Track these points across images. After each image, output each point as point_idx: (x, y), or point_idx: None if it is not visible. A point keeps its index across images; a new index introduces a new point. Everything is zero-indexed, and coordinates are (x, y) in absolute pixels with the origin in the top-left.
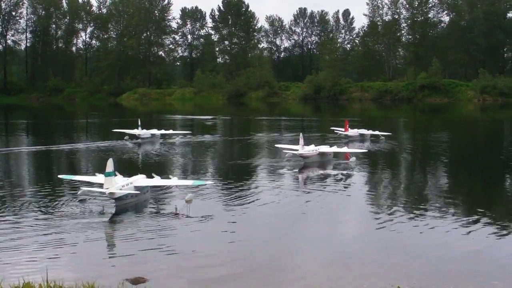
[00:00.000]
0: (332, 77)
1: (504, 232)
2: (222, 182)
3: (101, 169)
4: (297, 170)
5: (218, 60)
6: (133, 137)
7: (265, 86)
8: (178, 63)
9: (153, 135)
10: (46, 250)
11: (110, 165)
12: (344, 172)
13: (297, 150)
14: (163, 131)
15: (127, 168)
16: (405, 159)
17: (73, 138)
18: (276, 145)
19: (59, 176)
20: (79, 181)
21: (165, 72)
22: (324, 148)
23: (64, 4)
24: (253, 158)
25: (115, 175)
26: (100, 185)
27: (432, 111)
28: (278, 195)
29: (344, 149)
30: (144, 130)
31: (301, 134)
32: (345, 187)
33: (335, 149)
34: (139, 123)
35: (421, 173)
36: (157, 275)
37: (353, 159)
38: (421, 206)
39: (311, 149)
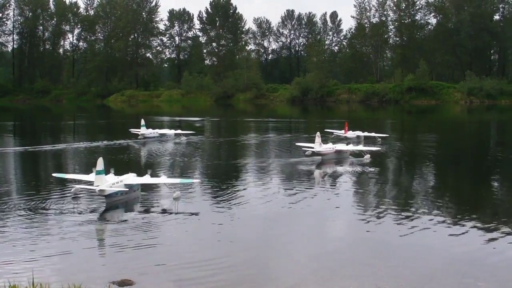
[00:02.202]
0: (320, 79)
1: (491, 233)
2: (213, 181)
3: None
4: (287, 170)
5: (205, 61)
6: (137, 136)
7: (252, 88)
8: (166, 65)
9: (162, 134)
10: (32, 252)
11: (100, 164)
12: (336, 172)
13: (313, 148)
14: (173, 131)
15: (120, 166)
16: (394, 160)
17: (65, 138)
18: (297, 144)
19: (53, 174)
20: (72, 179)
21: (152, 74)
22: (341, 146)
23: (51, 6)
24: (244, 158)
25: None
26: (91, 183)
27: (419, 113)
28: (267, 196)
29: (360, 147)
30: (150, 129)
31: (318, 133)
32: (334, 188)
33: (351, 147)
34: (143, 123)
35: (409, 175)
36: (144, 277)
37: (367, 156)
38: (409, 208)
39: (328, 147)
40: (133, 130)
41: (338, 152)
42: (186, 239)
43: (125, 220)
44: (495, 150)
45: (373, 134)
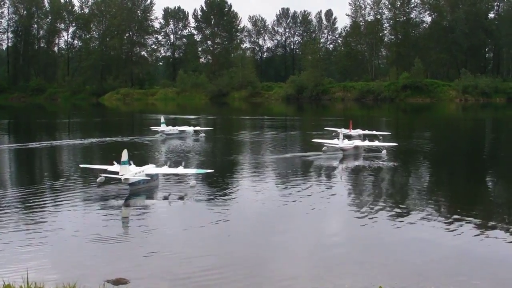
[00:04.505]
0: (315, 77)
1: (486, 231)
2: (212, 178)
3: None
4: (284, 169)
5: (200, 60)
6: (156, 133)
7: (247, 86)
8: (161, 63)
9: (181, 131)
10: (27, 251)
11: (125, 155)
12: (332, 168)
13: (337, 144)
14: (192, 128)
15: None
16: (389, 157)
17: (67, 135)
18: (313, 140)
19: (81, 165)
20: (99, 169)
21: (147, 72)
22: (358, 142)
23: (46, 4)
24: (243, 154)
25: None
26: (116, 173)
27: (414, 111)
28: (263, 193)
29: (376, 143)
30: (170, 127)
31: (341, 130)
32: (330, 185)
33: (367, 143)
34: (163, 121)
35: (404, 172)
36: (139, 276)
37: (384, 152)
38: (404, 205)
39: (348, 143)
40: (154, 128)
41: (356, 147)
42: (181, 238)
43: (119, 220)
44: (490, 148)
45: (374, 132)
